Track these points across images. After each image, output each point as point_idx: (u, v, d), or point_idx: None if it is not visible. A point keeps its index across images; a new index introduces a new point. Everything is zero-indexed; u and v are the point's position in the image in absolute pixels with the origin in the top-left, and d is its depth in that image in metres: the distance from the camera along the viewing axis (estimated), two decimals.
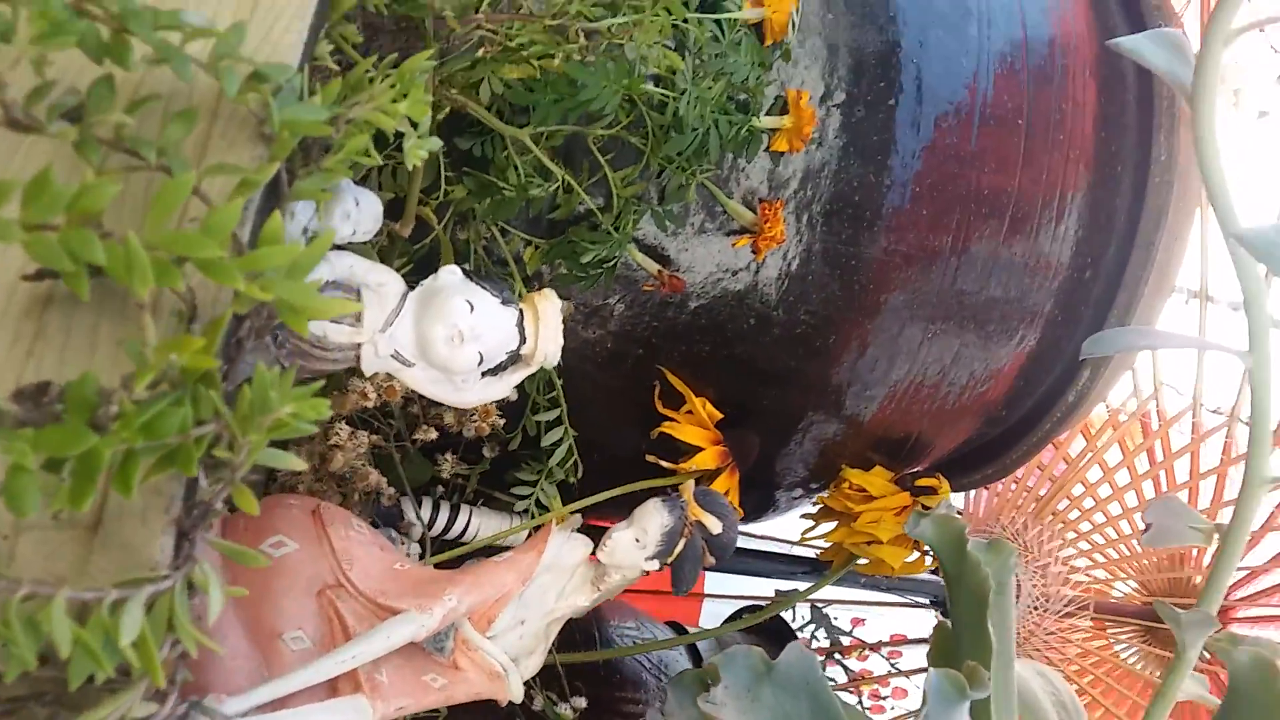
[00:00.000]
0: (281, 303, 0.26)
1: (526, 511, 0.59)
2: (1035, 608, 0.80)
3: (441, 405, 0.53)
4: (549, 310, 0.41)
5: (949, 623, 0.55)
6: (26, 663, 0.23)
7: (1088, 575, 0.86)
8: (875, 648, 1.11)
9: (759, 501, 0.74)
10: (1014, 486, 0.89)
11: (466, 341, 0.39)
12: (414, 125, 0.32)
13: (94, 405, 0.23)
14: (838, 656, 1.12)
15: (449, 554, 0.55)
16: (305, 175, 0.30)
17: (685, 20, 0.46)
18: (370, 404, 0.45)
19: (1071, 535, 0.84)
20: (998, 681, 0.50)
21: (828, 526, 0.71)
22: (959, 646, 0.50)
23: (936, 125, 0.56)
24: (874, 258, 0.57)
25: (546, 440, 0.56)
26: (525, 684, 0.56)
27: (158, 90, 0.27)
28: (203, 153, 0.28)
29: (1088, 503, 0.87)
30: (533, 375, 0.55)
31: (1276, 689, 0.44)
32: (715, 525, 0.45)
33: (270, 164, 0.27)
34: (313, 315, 0.27)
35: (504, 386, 0.42)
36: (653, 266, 0.53)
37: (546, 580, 0.44)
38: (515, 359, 0.41)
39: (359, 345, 0.39)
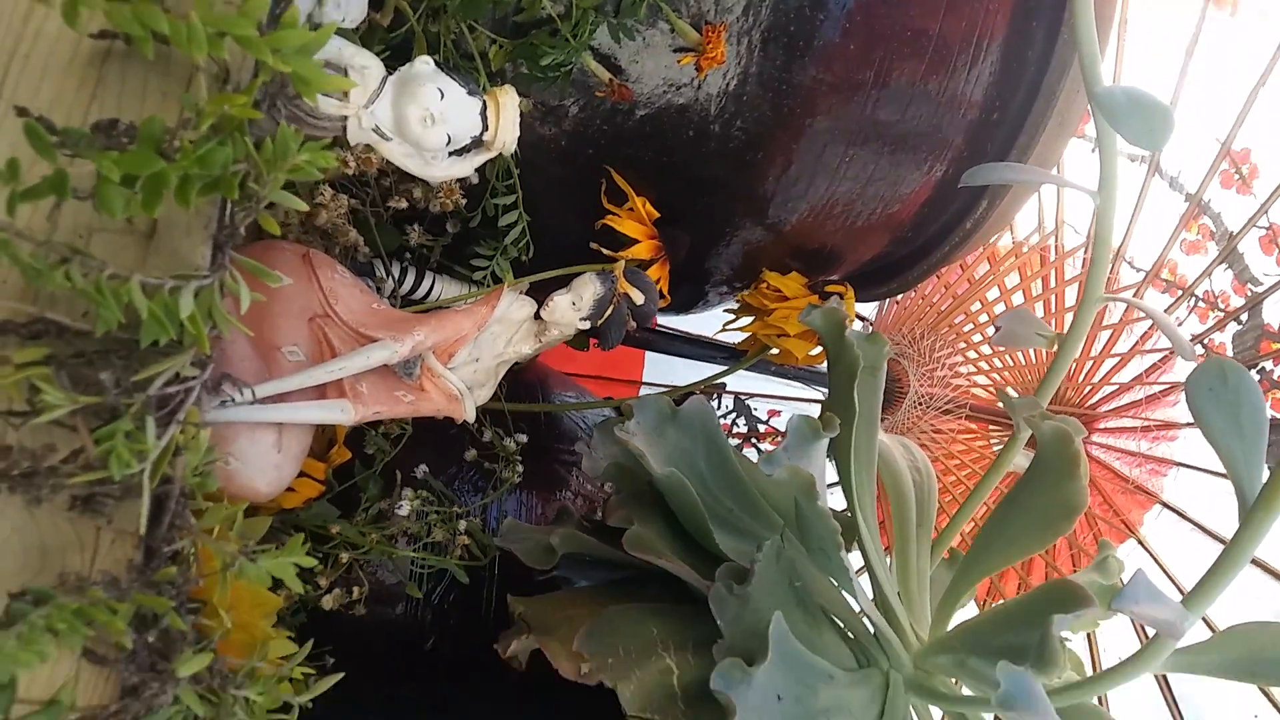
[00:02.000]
0: (295, 74, 0.33)
1: (483, 281, 0.69)
2: (919, 404, 0.92)
3: (412, 180, 0.61)
4: (509, 104, 0.48)
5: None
6: (112, 322, 0.32)
7: (970, 382, 0.98)
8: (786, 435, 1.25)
9: (690, 295, 0.84)
10: (920, 302, 1.00)
11: (437, 124, 0.47)
12: None
13: (160, 140, 0.31)
14: (754, 441, 1.26)
15: (415, 308, 0.64)
16: None
17: None
18: (350, 171, 0.52)
19: (963, 345, 0.96)
20: (860, 442, 0.61)
21: (746, 320, 0.82)
22: (831, 409, 0.61)
23: None
24: (803, 84, 0.64)
25: (503, 221, 0.65)
26: (477, 421, 0.67)
27: None
28: None
29: (984, 319, 0.99)
30: (493, 162, 0.63)
31: (1069, 451, 0.56)
32: (639, 297, 0.55)
33: None
34: (318, 87, 0.34)
35: (467, 167, 0.50)
36: (605, 75, 0.60)
37: (497, 329, 0.54)
38: (478, 143, 0.49)
39: (345, 118, 0.46)
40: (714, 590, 0.49)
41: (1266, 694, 0.85)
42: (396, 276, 0.67)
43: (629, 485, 0.59)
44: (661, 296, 0.72)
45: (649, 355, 1.38)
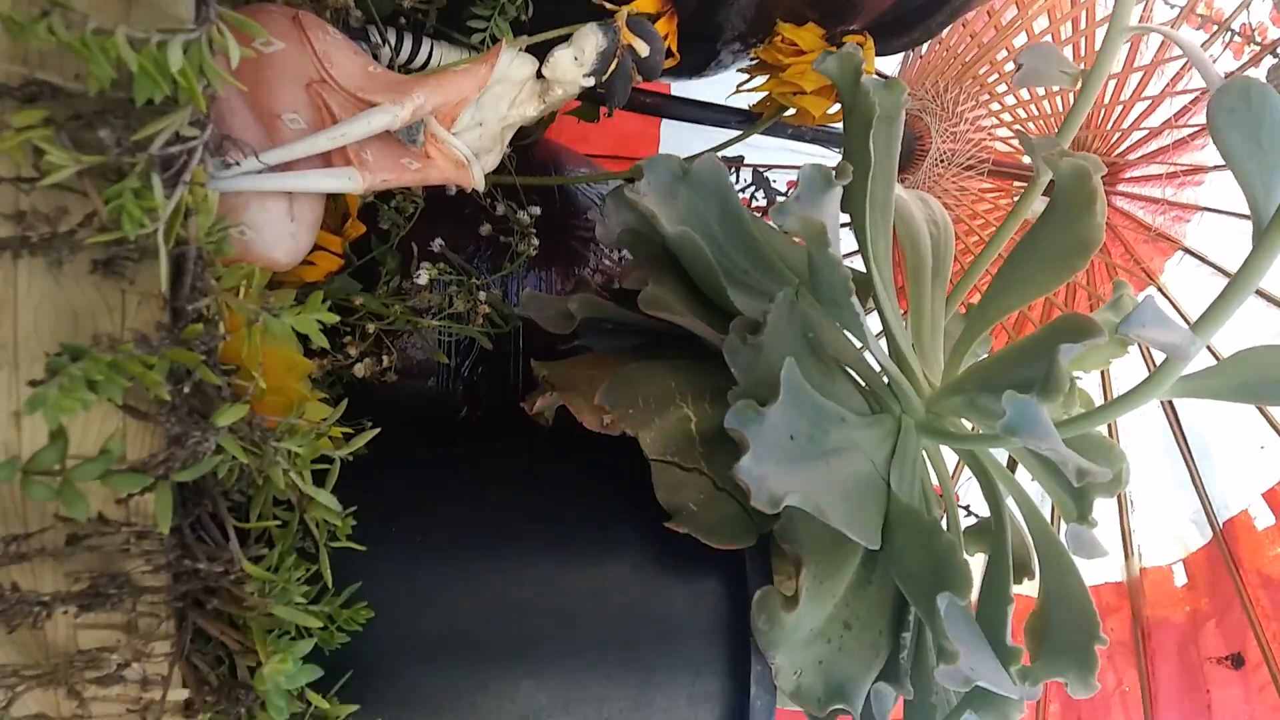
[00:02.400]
0: None
1: (481, 45, 0.66)
2: (942, 161, 0.90)
3: None
4: None
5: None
6: (104, 79, 0.32)
7: (993, 136, 0.95)
8: (798, 184, 1.23)
9: (701, 55, 0.81)
10: (945, 54, 0.96)
11: None
12: None
13: None
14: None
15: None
16: None
17: None
18: None
19: (987, 98, 0.92)
20: (876, 193, 0.60)
21: (761, 80, 0.79)
22: (847, 159, 0.60)
23: None
24: None
25: None
26: (490, 195, 0.67)
27: None
28: None
29: (1009, 68, 0.94)
30: None
31: (1087, 188, 0.55)
32: (644, 48, 0.52)
33: None
34: None
35: None
36: None
37: (499, 90, 0.52)
38: None
39: None
40: (728, 341, 0.50)
41: (1272, 423, 0.88)
42: (392, 43, 0.64)
43: (643, 250, 0.59)
44: (670, 54, 0.69)
45: (663, 134, 1.34)
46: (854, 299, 0.48)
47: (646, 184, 0.55)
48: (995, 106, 0.96)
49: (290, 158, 0.47)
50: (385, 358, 0.58)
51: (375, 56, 0.63)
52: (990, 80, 0.92)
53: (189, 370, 0.34)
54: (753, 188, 1.20)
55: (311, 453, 0.42)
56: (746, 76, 0.80)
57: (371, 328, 0.58)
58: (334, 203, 0.58)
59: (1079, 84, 0.62)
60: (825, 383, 0.55)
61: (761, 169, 1.18)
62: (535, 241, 0.69)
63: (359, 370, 0.58)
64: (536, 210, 0.69)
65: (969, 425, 0.64)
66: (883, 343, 0.61)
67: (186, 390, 0.34)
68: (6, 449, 0.37)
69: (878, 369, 0.63)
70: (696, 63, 0.83)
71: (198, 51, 0.34)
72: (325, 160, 0.49)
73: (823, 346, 0.55)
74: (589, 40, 0.51)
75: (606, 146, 1.26)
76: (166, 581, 0.41)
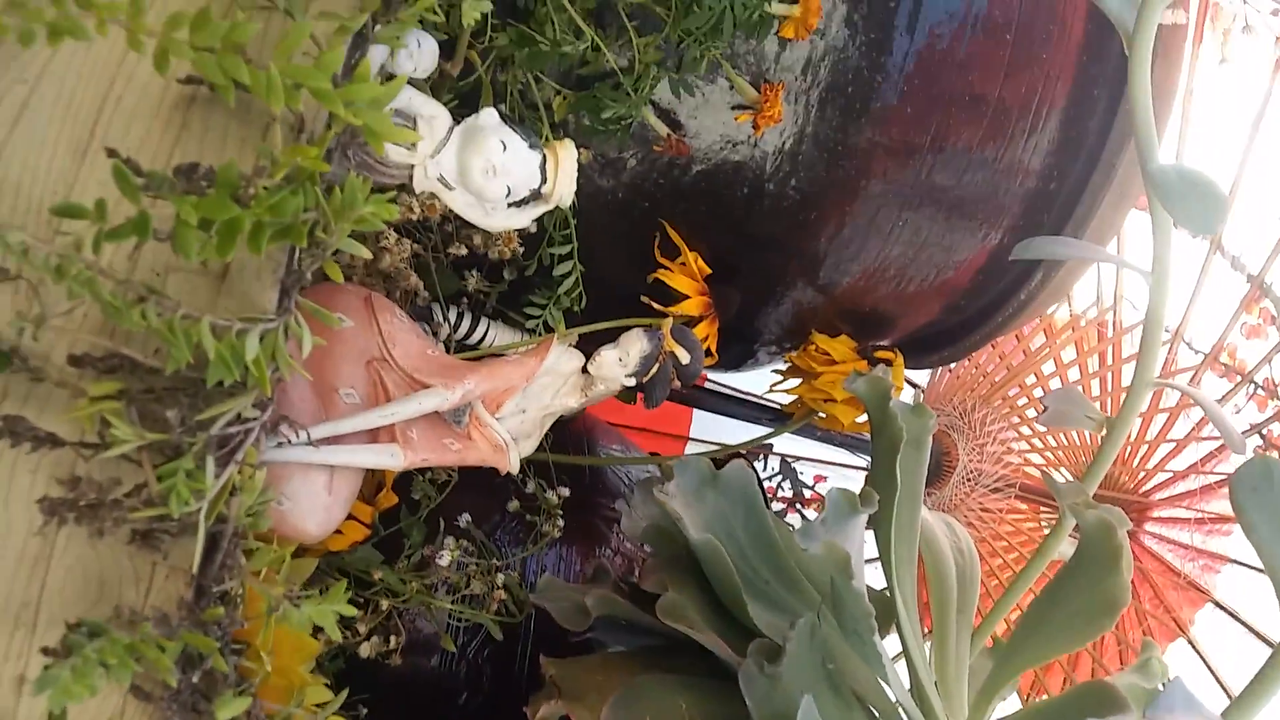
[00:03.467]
0: (366, 126, 0.34)
1: (535, 330, 0.69)
2: (968, 480, 0.91)
3: (472, 227, 0.62)
4: (567, 159, 0.49)
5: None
6: (182, 361, 0.33)
7: (1024, 459, 0.96)
8: (824, 508, 1.23)
9: (739, 353, 0.84)
10: (974, 371, 0.99)
11: (498, 175, 0.47)
12: None
13: (236, 186, 0.32)
14: (799, 507, 1.25)
15: (468, 354, 0.65)
16: (385, 24, 0.39)
17: None
18: (414, 217, 0.54)
19: (1016, 420, 0.94)
20: (901, 519, 0.60)
21: (793, 382, 0.81)
22: (871, 483, 0.61)
23: (930, 31, 0.62)
24: (859, 146, 0.65)
25: (558, 271, 0.65)
26: (521, 472, 0.67)
27: None
28: (311, 2, 0.37)
29: (1039, 393, 0.97)
30: (551, 213, 0.64)
31: (1112, 543, 0.55)
32: (684, 356, 0.55)
33: (362, 14, 0.36)
34: (387, 138, 0.35)
35: (525, 218, 0.51)
36: (663, 130, 0.61)
37: (545, 381, 0.54)
38: (536, 196, 0.50)
39: (411, 166, 0.47)
40: (744, 668, 0.48)
41: None
42: (453, 321, 0.68)
43: (666, 549, 0.59)
44: (709, 354, 0.72)
45: (696, 411, 1.38)
46: (876, 637, 0.47)
47: (675, 485, 0.55)
48: (1025, 430, 0.98)
49: (340, 432, 0.48)
50: (393, 638, 0.56)
51: (435, 333, 0.66)
52: (1020, 404, 0.95)
53: (201, 655, 0.33)
54: (779, 476, 1.21)
55: None
56: (780, 377, 0.83)
57: (385, 604, 0.56)
58: (370, 472, 0.59)
59: (1104, 430, 0.63)
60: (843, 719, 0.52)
61: (789, 459, 1.19)
62: (560, 523, 0.69)
63: (364, 649, 0.56)
64: (566, 492, 0.69)
65: None
66: (904, 673, 0.58)
67: (195, 678, 0.33)
68: (2, 715, 0.36)
69: (898, 705, 0.60)
70: (733, 360, 0.87)
71: (273, 340, 0.36)
72: (371, 436, 0.50)
73: (843, 679, 0.53)
74: (634, 344, 0.54)
75: (640, 420, 1.28)
76: None
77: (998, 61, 0.66)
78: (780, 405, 0.88)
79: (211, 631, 0.33)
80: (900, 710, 0.53)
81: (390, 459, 0.49)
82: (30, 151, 0.36)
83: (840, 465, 1.20)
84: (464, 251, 0.60)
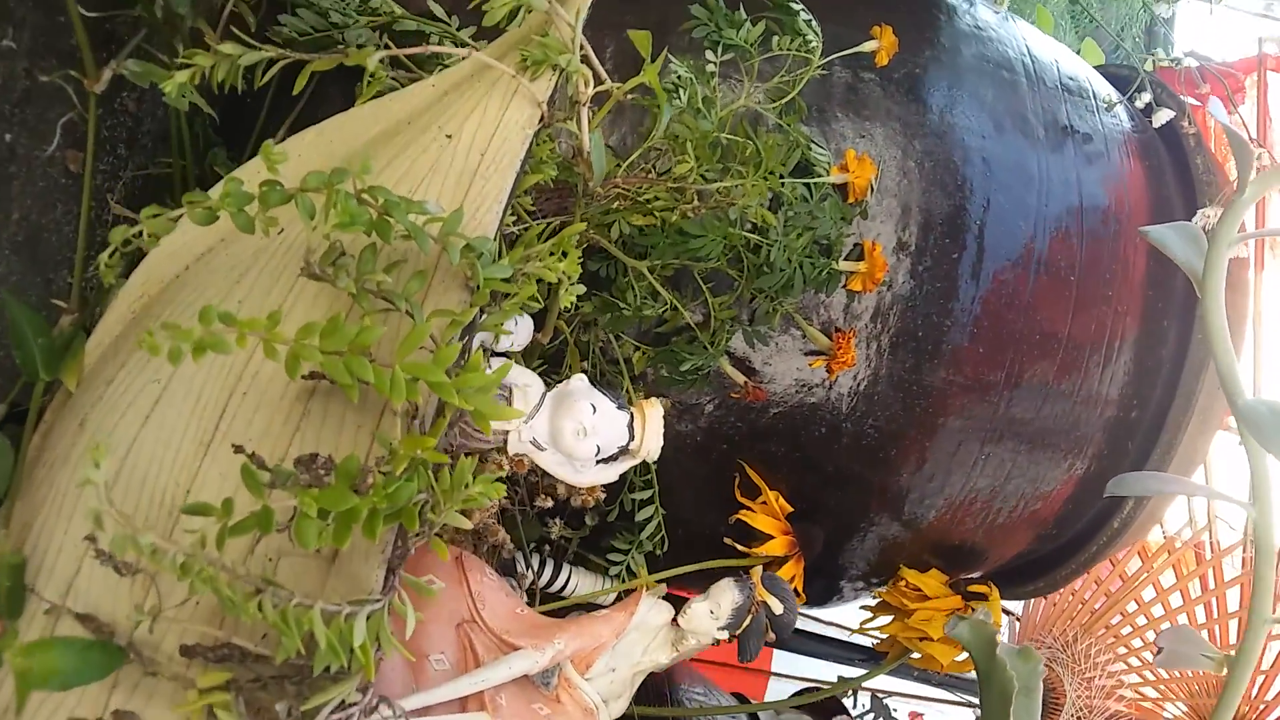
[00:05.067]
0: (476, 412, 0.36)
1: (618, 575, 0.69)
2: (1078, 716, 0.84)
3: (557, 479, 0.63)
4: (654, 416, 0.51)
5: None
6: (292, 650, 0.34)
7: (1137, 692, 0.90)
8: None
9: (824, 589, 0.82)
10: (1070, 599, 0.94)
11: (589, 436, 0.49)
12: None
13: (355, 476, 0.34)
14: None
15: (551, 605, 0.65)
16: (490, 313, 0.42)
17: (781, 183, 0.57)
18: (504, 474, 0.55)
19: (1123, 650, 0.89)
20: None
21: (885, 619, 0.79)
22: None
23: (995, 277, 0.65)
24: (934, 385, 0.66)
25: (640, 516, 0.66)
26: None
27: (404, 254, 0.39)
28: (425, 296, 0.40)
29: (1141, 620, 0.92)
30: None
31: None
32: (778, 607, 0.54)
33: (472, 309, 0.39)
34: (495, 420, 0.37)
35: (613, 473, 0.52)
36: (739, 378, 0.63)
37: (635, 637, 0.53)
38: (624, 451, 0.51)
39: (507, 432, 0.49)
40: None
41: None
42: (535, 569, 0.68)
43: None
44: (797, 594, 0.70)
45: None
46: None
47: None
48: (1134, 661, 0.92)
49: (431, 703, 0.47)
50: None
51: (519, 582, 0.66)
52: (1124, 632, 0.90)
53: None
54: (871, 714, 1.14)
55: None
56: (870, 614, 0.80)
57: None
58: None
59: (1225, 669, 0.59)
60: None
61: (881, 695, 1.13)
62: None
63: None
64: None
65: None
66: None
67: None
68: None
69: None
70: (818, 596, 0.84)
71: (378, 620, 0.36)
72: (460, 703, 0.49)
73: None
74: (725, 596, 0.53)
75: (720, 653, 1.23)
76: None
77: (1064, 300, 0.67)
78: (870, 644, 0.84)
79: None
80: None
81: None
82: (159, 445, 0.39)
83: (936, 700, 1.13)
84: (550, 504, 0.61)
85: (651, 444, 0.51)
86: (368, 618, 0.36)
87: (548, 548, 0.69)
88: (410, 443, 0.34)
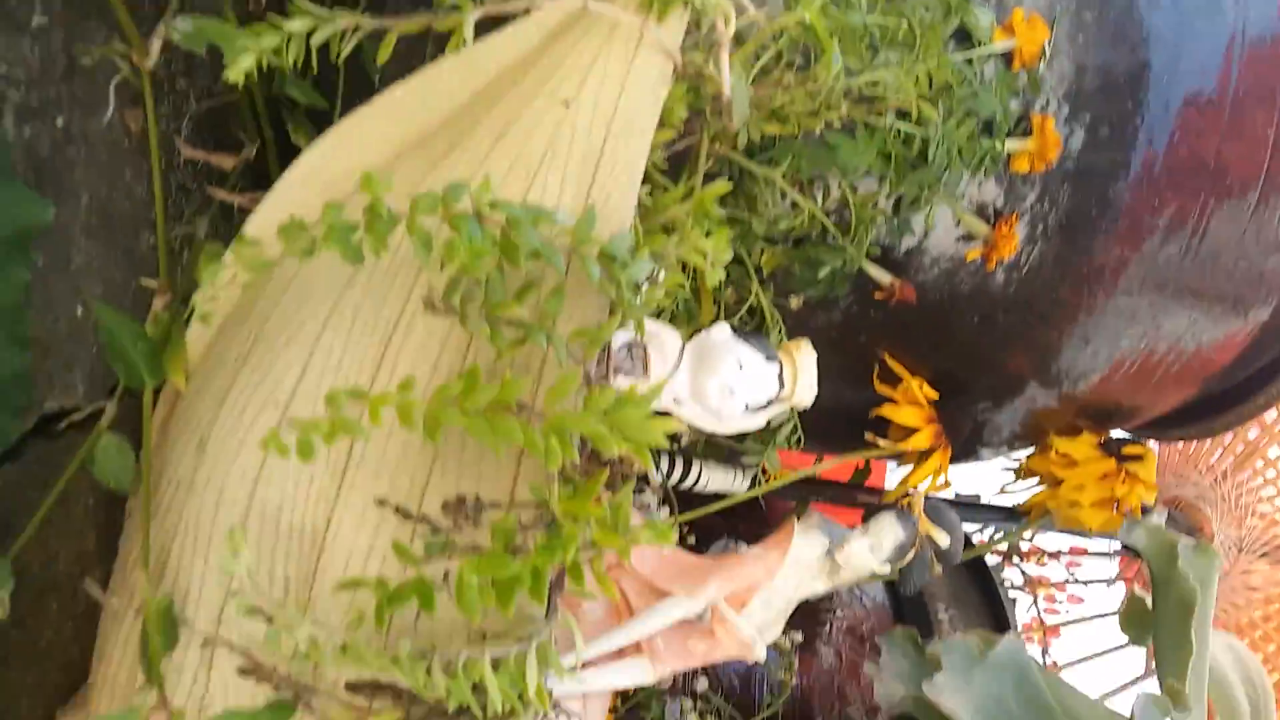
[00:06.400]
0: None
1: (751, 469, 0.67)
2: (1232, 546, 0.82)
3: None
4: (806, 363, 0.47)
5: (1146, 600, 0.60)
6: (463, 701, 0.33)
7: None
8: (1055, 555, 1.16)
9: (961, 452, 0.79)
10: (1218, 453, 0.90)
11: (736, 394, 0.45)
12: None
13: (511, 539, 0.32)
14: (1017, 560, 1.18)
15: (692, 514, 0.64)
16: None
17: (939, 63, 0.48)
18: None
19: (1274, 474, 0.85)
20: (1193, 674, 0.55)
21: (1030, 484, 0.76)
22: (1161, 643, 0.55)
23: (1180, 134, 0.55)
24: (1105, 263, 0.59)
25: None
26: None
27: (530, 273, 0.34)
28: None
29: None
30: None
31: None
32: (944, 539, 0.51)
33: (613, 320, 0.34)
34: (652, 446, 0.34)
35: (760, 419, 0.48)
36: (885, 278, 0.57)
37: (789, 573, 0.52)
38: (773, 399, 0.47)
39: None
40: None
41: None
42: (665, 469, 0.67)
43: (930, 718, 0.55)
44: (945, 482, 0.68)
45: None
46: None
47: (944, 677, 0.52)
48: None
49: (589, 657, 0.47)
50: None
51: (649, 484, 0.65)
52: (1270, 478, 0.85)
53: None
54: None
55: None
56: (1012, 477, 0.78)
57: None
58: None
59: None
60: None
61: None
62: (796, 665, 0.67)
63: None
64: (799, 637, 0.67)
65: None
66: None
67: None
68: None
69: None
70: (953, 458, 0.82)
71: (545, 649, 0.35)
72: (618, 651, 0.49)
73: None
74: (887, 533, 0.50)
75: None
76: None
77: (1257, 146, 0.58)
78: (1015, 507, 0.82)
79: None
80: None
81: (641, 675, 0.49)
82: (288, 480, 0.37)
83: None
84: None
85: (804, 393, 0.47)
86: (536, 652, 0.35)
87: (675, 446, 0.68)
88: (572, 505, 0.31)
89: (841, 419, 0.67)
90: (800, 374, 0.46)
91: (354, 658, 0.31)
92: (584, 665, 0.47)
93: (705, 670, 0.64)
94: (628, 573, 0.51)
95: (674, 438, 0.67)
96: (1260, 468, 0.87)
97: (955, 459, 0.82)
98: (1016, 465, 0.77)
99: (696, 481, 0.69)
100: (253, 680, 0.35)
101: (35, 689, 0.44)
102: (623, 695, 0.60)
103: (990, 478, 0.82)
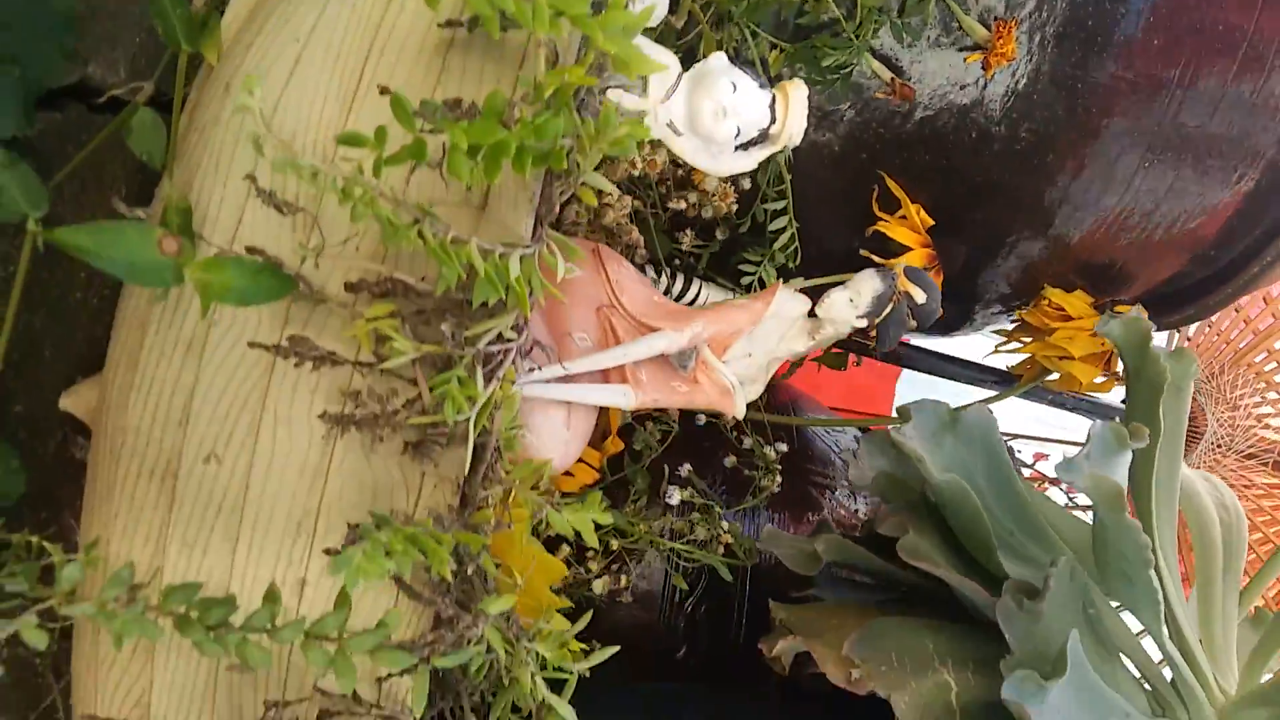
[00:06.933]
0: (617, 55, 0.35)
1: (750, 288, 0.69)
2: (1218, 447, 0.83)
3: (688, 187, 0.63)
4: (798, 96, 0.49)
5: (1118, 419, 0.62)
6: (452, 280, 0.35)
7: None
8: (1054, 481, 1.16)
9: (956, 315, 0.81)
10: (1216, 337, 0.91)
11: (728, 116, 0.48)
12: None
13: (502, 112, 0.34)
14: None
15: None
16: None
17: None
18: (636, 172, 0.55)
19: (1263, 386, 0.86)
20: (1162, 466, 0.56)
21: (1023, 343, 0.77)
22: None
23: None
24: (1100, 82, 0.61)
25: (772, 227, 0.65)
26: (737, 429, 0.67)
27: None
28: None
29: None
30: (765, 167, 0.64)
31: None
32: (920, 295, 0.53)
33: None
34: (637, 67, 0.36)
35: (751, 160, 0.50)
36: (886, 74, 0.59)
37: (771, 326, 0.54)
38: (764, 137, 0.50)
39: (643, 113, 0.48)
40: (1001, 604, 0.46)
41: None
42: (665, 283, 0.69)
43: (900, 496, 0.57)
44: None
45: (899, 390, 1.33)
46: (1151, 572, 0.44)
47: (914, 428, 0.54)
48: (1273, 396, 0.89)
49: (576, 370, 0.49)
50: (624, 577, 0.58)
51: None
52: (1268, 369, 0.86)
53: (471, 554, 0.35)
54: None
55: (558, 659, 0.41)
56: (1004, 338, 0.79)
57: (615, 544, 0.58)
58: (599, 420, 0.61)
59: None
60: (1106, 670, 0.49)
61: (1006, 436, 1.13)
62: (779, 479, 0.68)
63: (597, 586, 0.58)
64: (783, 447, 0.69)
65: None
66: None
67: (469, 571, 0.35)
68: (285, 616, 0.39)
69: (1159, 661, 0.55)
70: (949, 322, 0.83)
71: (530, 264, 0.37)
72: (603, 376, 0.51)
73: (1103, 623, 0.50)
74: (867, 284, 0.52)
75: (836, 398, 1.26)
76: None
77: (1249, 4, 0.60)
78: (1007, 368, 0.83)
79: (481, 532, 0.35)
80: (1168, 665, 0.49)
81: (622, 398, 0.51)
82: (303, 105, 0.40)
83: (1061, 443, 1.13)
84: (682, 206, 0.60)
85: (794, 126, 0.49)
86: (521, 259, 0.37)
87: (677, 261, 0.70)
88: (556, 73, 0.33)
89: (838, 242, 0.69)
90: (791, 108, 0.49)
91: (350, 198, 0.33)
92: (568, 380, 0.50)
93: (689, 462, 0.66)
94: (618, 313, 0.53)
95: (676, 253, 0.69)
96: (1245, 370, 0.87)
97: (949, 327, 0.84)
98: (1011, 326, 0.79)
99: (695, 300, 0.71)
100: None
101: (60, 343, 0.47)
102: (611, 467, 0.62)
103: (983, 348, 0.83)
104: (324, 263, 0.38)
